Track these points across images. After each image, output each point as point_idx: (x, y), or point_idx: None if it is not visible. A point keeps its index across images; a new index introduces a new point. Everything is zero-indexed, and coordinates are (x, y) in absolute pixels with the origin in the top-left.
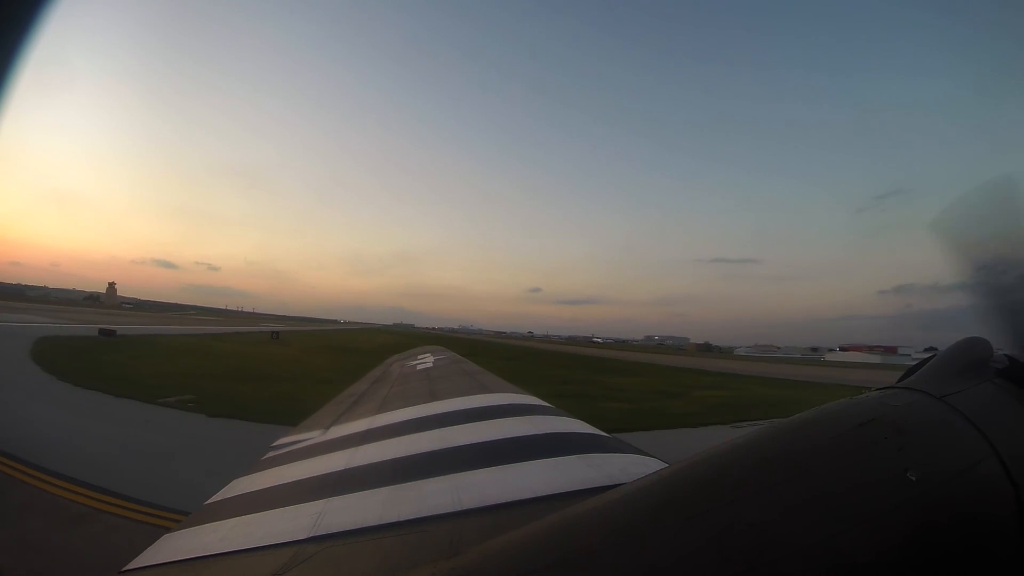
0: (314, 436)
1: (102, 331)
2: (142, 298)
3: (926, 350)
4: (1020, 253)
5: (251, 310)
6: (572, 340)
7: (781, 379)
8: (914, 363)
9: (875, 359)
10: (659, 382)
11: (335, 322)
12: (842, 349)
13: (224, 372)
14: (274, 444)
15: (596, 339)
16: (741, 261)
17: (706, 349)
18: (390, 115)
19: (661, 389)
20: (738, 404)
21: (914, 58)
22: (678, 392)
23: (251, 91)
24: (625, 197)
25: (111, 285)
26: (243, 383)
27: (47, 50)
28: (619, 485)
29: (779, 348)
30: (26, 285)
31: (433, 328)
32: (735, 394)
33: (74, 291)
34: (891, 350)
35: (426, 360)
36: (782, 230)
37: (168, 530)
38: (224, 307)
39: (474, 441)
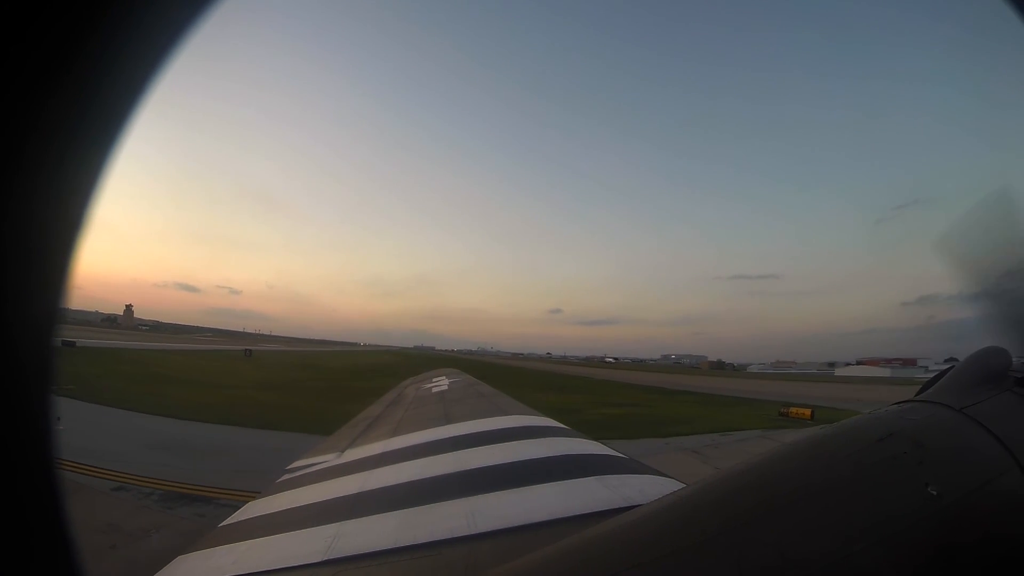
0: (329, 459)
1: (64, 342)
2: (163, 320)
3: (946, 361)
4: (1020, 266)
5: (268, 332)
6: (588, 360)
7: (726, 396)
8: (930, 375)
9: (885, 373)
10: (579, 399)
11: (355, 345)
12: (860, 363)
13: (138, 376)
14: (289, 467)
15: (608, 359)
16: (761, 277)
17: (719, 367)
18: (411, 138)
19: (566, 406)
20: (619, 423)
21: (931, 64)
22: (576, 409)
23: (273, 116)
24: (645, 217)
25: (128, 307)
26: (143, 384)
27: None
28: (636, 506)
29: (796, 364)
30: None
31: (452, 350)
32: (637, 412)
33: (95, 313)
34: (910, 362)
35: (441, 383)
36: (801, 244)
37: None
38: (242, 330)
39: (489, 463)
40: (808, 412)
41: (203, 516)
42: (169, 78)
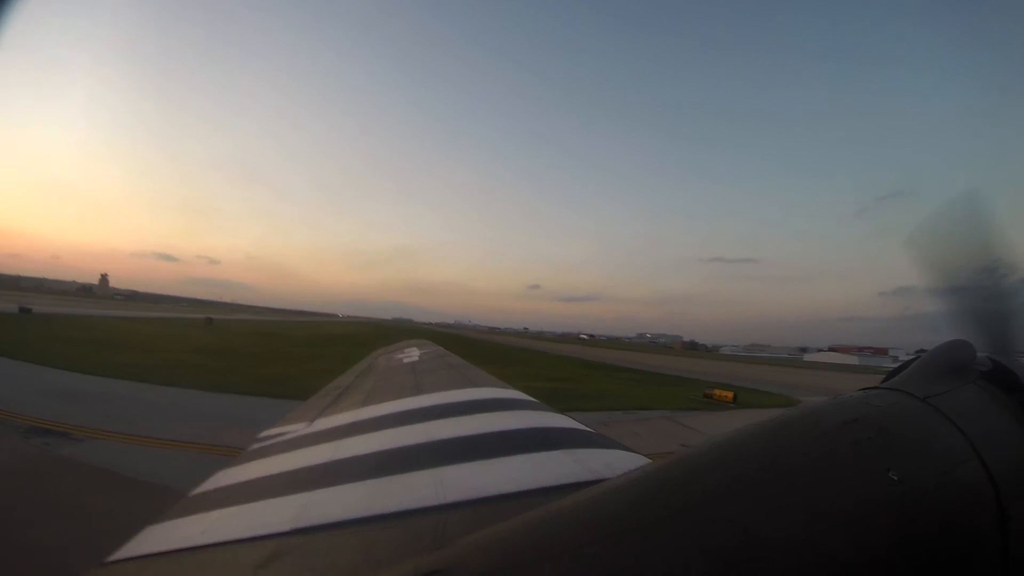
0: (299, 429)
1: (21, 308)
2: (140, 290)
3: (917, 352)
4: (988, 264)
5: (246, 303)
6: (563, 337)
7: (669, 376)
8: (897, 365)
9: (853, 361)
10: (513, 372)
11: (333, 316)
12: (832, 349)
13: (78, 339)
14: (259, 436)
15: (582, 335)
16: (740, 261)
17: (692, 347)
18: (392, 110)
19: (496, 378)
20: (534, 397)
21: (920, 56)
22: (504, 382)
23: (253, 84)
24: (626, 196)
25: (103, 277)
26: (77, 346)
27: (47, 46)
28: (603, 480)
29: (770, 348)
30: (23, 276)
31: (429, 323)
32: (561, 387)
33: (71, 282)
34: (881, 351)
35: (412, 354)
36: (782, 230)
37: None
38: (219, 299)
39: (458, 435)
40: (731, 395)
41: (48, 445)
42: (144, 47)
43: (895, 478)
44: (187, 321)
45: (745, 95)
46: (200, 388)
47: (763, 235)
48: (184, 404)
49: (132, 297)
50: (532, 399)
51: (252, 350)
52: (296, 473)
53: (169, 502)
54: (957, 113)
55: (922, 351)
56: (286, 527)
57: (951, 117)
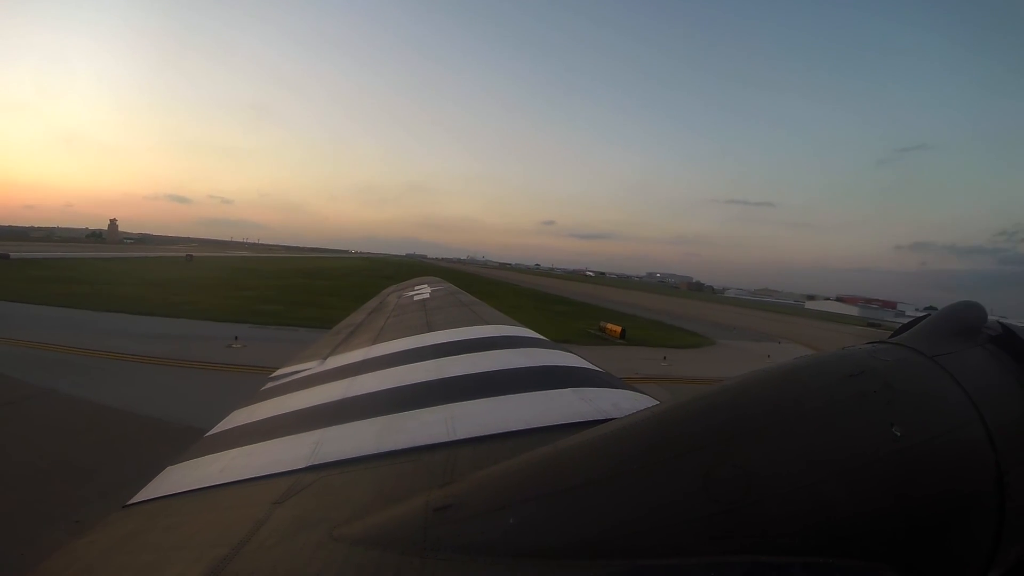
0: (312, 367)
1: (0, 255)
2: (152, 233)
3: (926, 309)
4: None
5: (256, 241)
6: (572, 274)
7: (605, 310)
8: (907, 321)
9: (853, 311)
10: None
11: (346, 252)
12: (840, 299)
13: (40, 278)
14: (273, 375)
15: (588, 272)
16: (757, 204)
17: (697, 289)
18: (404, 41)
19: None
20: None
21: (950, 9)
22: None
23: (261, 19)
24: (644, 132)
25: (112, 222)
26: (32, 283)
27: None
28: (610, 420)
29: (777, 294)
30: (33, 227)
31: (442, 259)
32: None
33: (83, 229)
34: (890, 305)
35: (423, 291)
36: (801, 175)
37: None
38: (230, 239)
39: (469, 372)
40: (619, 330)
41: None
42: None
43: (898, 434)
44: (168, 259)
45: (778, 29)
46: (94, 308)
47: (781, 179)
48: (60, 318)
49: (143, 240)
50: (541, 337)
51: (197, 282)
52: (310, 410)
53: (187, 443)
54: (990, 70)
55: (932, 308)
56: (301, 464)
57: (983, 74)
